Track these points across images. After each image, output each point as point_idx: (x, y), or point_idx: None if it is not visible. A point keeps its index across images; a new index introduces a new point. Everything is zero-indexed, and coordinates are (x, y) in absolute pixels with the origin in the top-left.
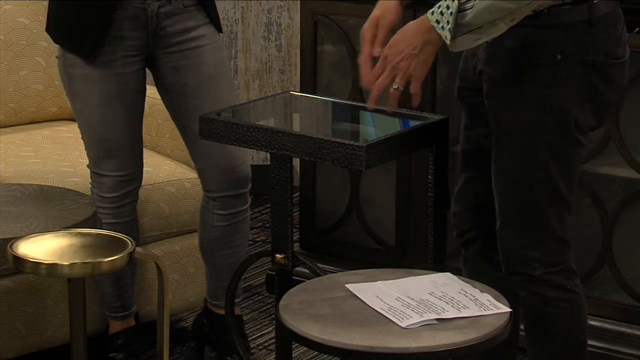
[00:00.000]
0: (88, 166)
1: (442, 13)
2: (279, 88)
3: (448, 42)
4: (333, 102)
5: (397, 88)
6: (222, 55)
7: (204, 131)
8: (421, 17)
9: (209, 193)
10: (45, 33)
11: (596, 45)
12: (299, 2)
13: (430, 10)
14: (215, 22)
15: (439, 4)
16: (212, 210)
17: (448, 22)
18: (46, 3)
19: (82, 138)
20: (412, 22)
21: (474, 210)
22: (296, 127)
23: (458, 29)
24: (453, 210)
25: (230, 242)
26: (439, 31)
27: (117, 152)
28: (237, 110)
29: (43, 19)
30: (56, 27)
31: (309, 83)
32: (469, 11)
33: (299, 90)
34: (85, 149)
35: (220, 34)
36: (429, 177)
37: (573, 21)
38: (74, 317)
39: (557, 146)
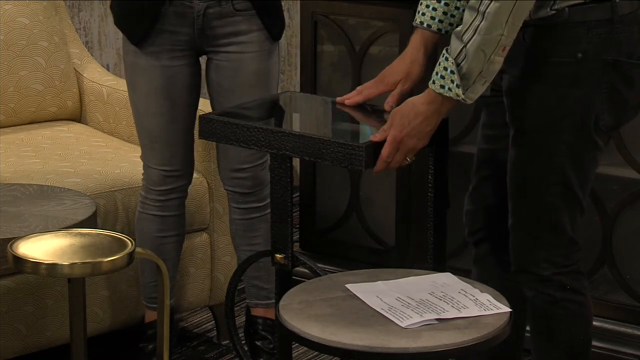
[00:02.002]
0: (141, 157)
1: (443, 77)
2: (279, 88)
3: (462, 97)
4: (333, 102)
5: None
6: (269, 64)
7: (204, 131)
8: (425, 92)
9: (224, 186)
10: (46, 33)
11: (618, 44)
12: (299, 2)
13: (431, 81)
14: (270, 29)
15: (435, 72)
16: (230, 203)
17: (452, 81)
18: (46, 3)
19: (135, 128)
20: (416, 99)
21: (486, 210)
22: (296, 127)
23: (464, 82)
24: (466, 208)
25: (248, 239)
26: (448, 94)
27: (160, 145)
28: (237, 110)
29: (43, 18)
30: (116, 11)
31: (309, 83)
32: (464, 62)
33: (299, 90)
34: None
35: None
36: (429, 177)
37: (595, 20)
38: (74, 317)
39: (574, 147)
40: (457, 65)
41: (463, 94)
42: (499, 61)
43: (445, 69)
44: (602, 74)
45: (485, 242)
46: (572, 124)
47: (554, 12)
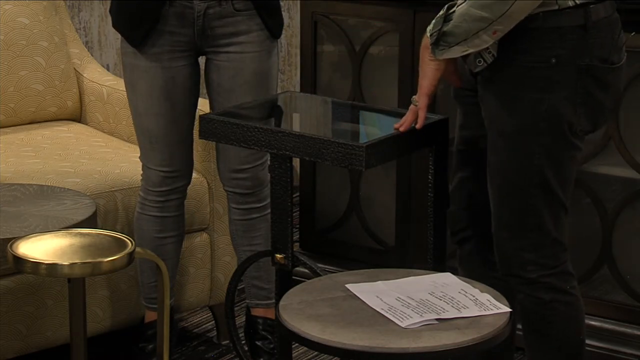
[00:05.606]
0: (139, 157)
1: (434, 22)
2: (279, 88)
3: (430, 46)
4: (333, 102)
5: (414, 102)
6: (269, 63)
7: (204, 131)
8: None
9: (224, 187)
10: (46, 33)
11: (591, 50)
12: (299, 2)
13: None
14: (271, 28)
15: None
16: (229, 203)
17: (431, 28)
18: (46, 3)
19: (134, 129)
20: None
21: (468, 209)
22: (296, 127)
23: (445, 38)
24: (448, 209)
25: (248, 239)
26: (427, 35)
27: (160, 145)
28: (237, 110)
29: (43, 18)
30: (115, 13)
31: (309, 83)
32: (451, 21)
33: (299, 90)
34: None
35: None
36: (429, 177)
37: (569, 25)
38: (74, 317)
39: (551, 149)
40: (447, 20)
41: (430, 45)
42: (486, 40)
43: (439, 15)
44: (577, 78)
45: (468, 242)
46: (547, 127)
47: (527, 15)
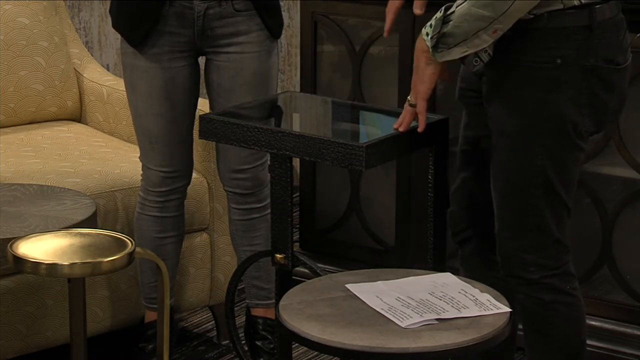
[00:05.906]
0: (139, 158)
1: (431, 25)
2: (279, 88)
3: (430, 50)
4: (333, 102)
5: (410, 102)
6: (269, 63)
7: (204, 131)
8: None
9: (224, 187)
10: (46, 33)
11: (596, 50)
12: (299, 2)
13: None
14: (271, 28)
15: (434, 17)
16: (229, 204)
17: (428, 33)
18: (46, 3)
19: (134, 129)
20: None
21: (470, 209)
22: (296, 127)
23: (444, 40)
24: (449, 209)
25: (248, 239)
26: (427, 43)
27: (160, 145)
28: (237, 110)
29: (43, 18)
30: (115, 13)
31: (309, 83)
32: (451, 22)
33: (299, 90)
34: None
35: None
36: (429, 177)
37: (574, 26)
38: (74, 317)
39: (554, 150)
40: (446, 22)
41: (431, 47)
42: (486, 40)
43: (436, 18)
44: (582, 79)
45: (469, 242)
46: (551, 127)
47: (532, 16)
